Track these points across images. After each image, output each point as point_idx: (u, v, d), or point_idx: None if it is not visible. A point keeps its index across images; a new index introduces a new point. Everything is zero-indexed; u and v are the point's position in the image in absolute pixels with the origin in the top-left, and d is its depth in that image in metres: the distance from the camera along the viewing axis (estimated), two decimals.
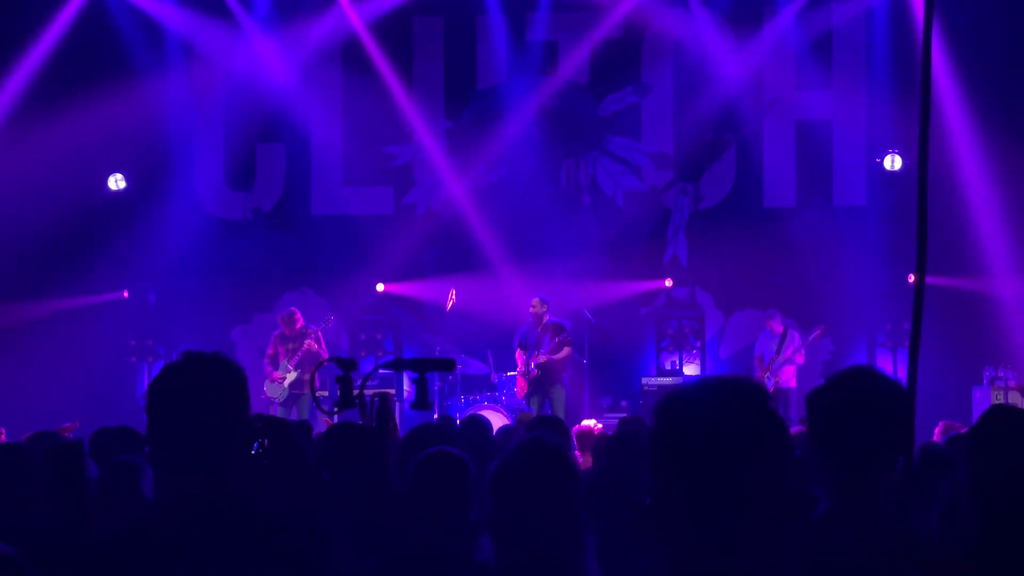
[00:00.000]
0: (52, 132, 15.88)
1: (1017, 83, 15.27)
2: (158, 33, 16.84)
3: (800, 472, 1.93)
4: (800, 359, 14.87)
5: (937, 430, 8.31)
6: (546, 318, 14.39)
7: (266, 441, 3.37)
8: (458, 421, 13.80)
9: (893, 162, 15.75)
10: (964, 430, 7.09)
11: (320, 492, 3.74)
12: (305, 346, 14.45)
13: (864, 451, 3.08)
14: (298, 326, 14.65)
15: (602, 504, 5.38)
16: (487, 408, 14.04)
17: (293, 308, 15.03)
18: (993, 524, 3.23)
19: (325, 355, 14.19)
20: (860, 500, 3.08)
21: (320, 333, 14.68)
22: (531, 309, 14.36)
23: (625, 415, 13.45)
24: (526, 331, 14.47)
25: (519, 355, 14.44)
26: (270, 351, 14.76)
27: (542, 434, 3.58)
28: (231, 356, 3.05)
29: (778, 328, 15.02)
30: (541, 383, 14.23)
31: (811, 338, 14.88)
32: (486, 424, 7.63)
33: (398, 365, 3.36)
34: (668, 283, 16.75)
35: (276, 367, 14.63)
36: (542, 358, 14.19)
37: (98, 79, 16.11)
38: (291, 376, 14.50)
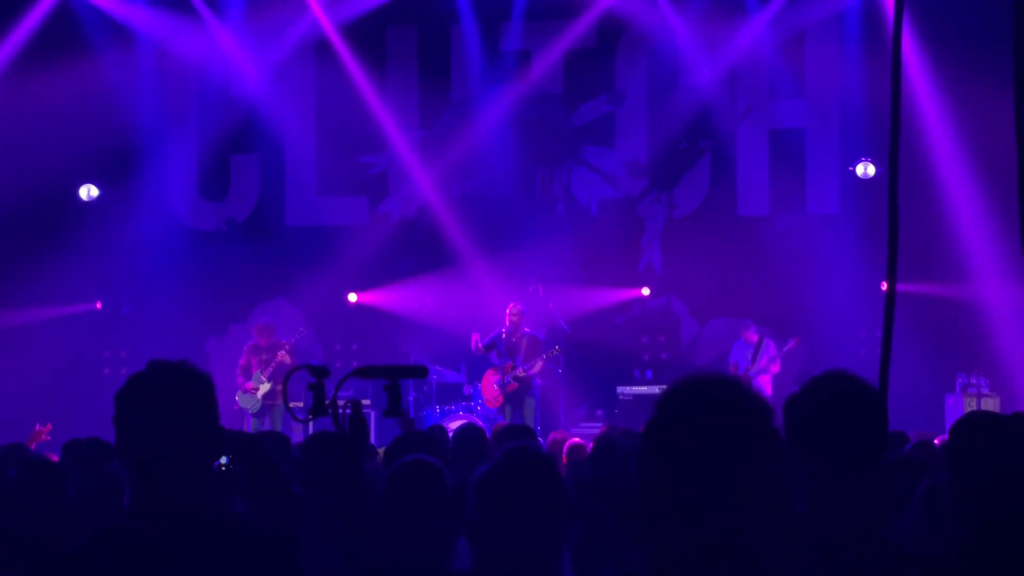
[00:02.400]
0: (21, 140, 15.80)
1: (994, 86, 15.32)
2: (129, 40, 16.78)
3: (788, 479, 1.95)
4: (775, 368, 14.91)
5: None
6: (523, 328, 14.46)
7: (232, 456, 3.36)
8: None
9: (866, 169, 15.80)
10: (937, 440, 7.13)
11: (292, 504, 3.72)
12: (279, 357, 14.46)
13: (840, 456, 3.08)
14: (273, 339, 14.68)
15: (579, 514, 5.37)
16: (462, 418, 14.04)
17: (270, 320, 15.01)
18: (974, 529, 3.24)
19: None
20: (836, 505, 3.09)
21: (292, 345, 14.66)
22: (510, 316, 14.40)
23: (601, 425, 13.50)
24: (497, 338, 14.51)
25: (479, 346, 14.45)
26: (242, 361, 14.76)
27: (528, 443, 3.58)
28: (201, 366, 3.04)
29: (753, 337, 15.05)
30: (516, 394, 14.33)
31: (785, 349, 14.93)
32: (480, 434, 7.60)
33: (369, 372, 3.35)
34: (646, 291, 16.76)
35: (248, 378, 14.63)
36: (520, 372, 14.25)
37: (67, 86, 16.05)
38: (264, 387, 14.51)
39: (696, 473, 1.89)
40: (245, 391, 14.59)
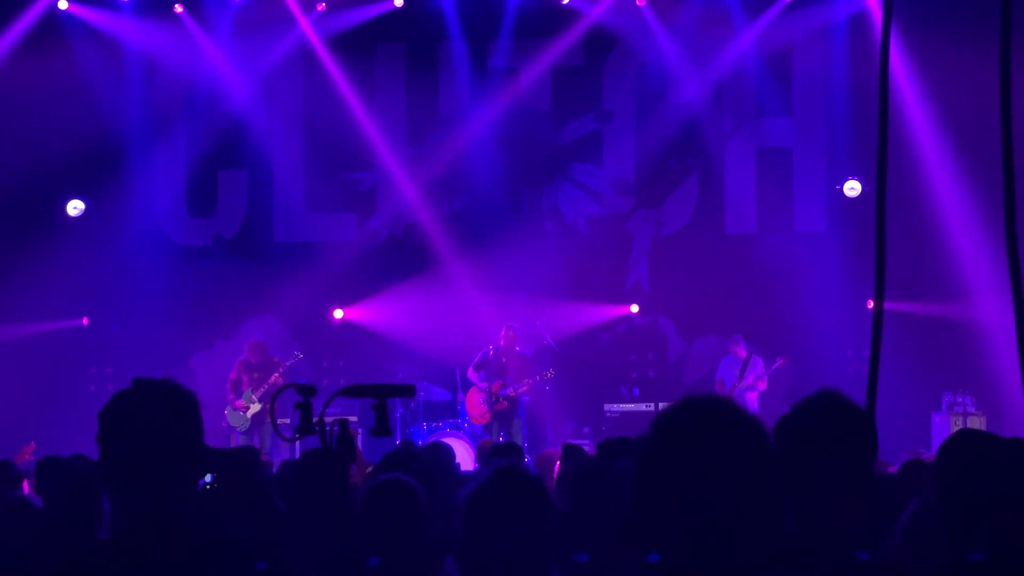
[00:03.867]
0: (6, 153, 15.77)
1: (987, 99, 15.27)
2: (117, 55, 16.76)
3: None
4: (762, 386, 14.91)
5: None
6: (515, 348, 14.50)
7: (217, 475, 3.35)
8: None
9: (853, 188, 15.87)
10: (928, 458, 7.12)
11: (276, 521, 3.70)
12: (272, 379, 14.44)
13: (830, 475, 3.08)
14: (265, 357, 14.64)
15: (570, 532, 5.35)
16: (450, 435, 14.01)
17: (262, 339, 14.97)
18: (959, 548, 3.24)
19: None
20: (825, 522, 3.08)
21: (286, 368, 14.62)
22: (506, 336, 14.46)
23: (588, 442, 13.46)
24: (487, 356, 14.52)
25: (472, 373, 14.51)
26: (233, 376, 14.71)
27: (516, 463, 3.58)
28: (187, 382, 3.03)
29: (742, 353, 15.06)
30: (505, 413, 14.33)
31: (773, 367, 14.93)
32: (449, 451, 7.59)
33: (357, 391, 3.34)
34: (635, 308, 16.76)
35: (238, 394, 14.57)
36: (511, 391, 14.27)
37: (54, 100, 16.04)
38: (255, 407, 14.48)
39: (692, 492, 1.90)
40: (235, 408, 14.54)
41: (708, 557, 1.89)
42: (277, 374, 14.49)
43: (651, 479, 1.95)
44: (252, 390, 14.53)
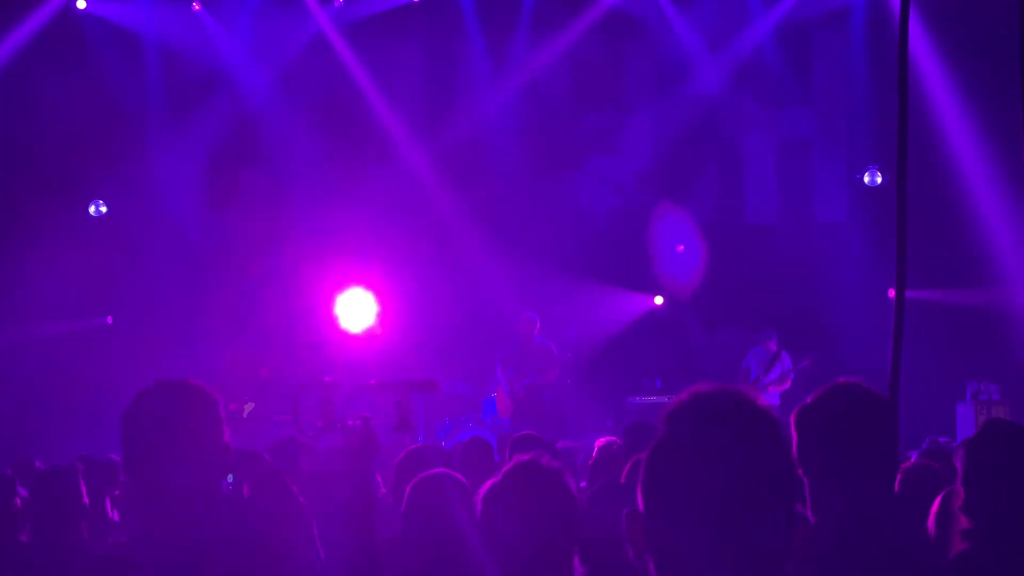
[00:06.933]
0: (26, 151, 15.83)
1: (1012, 84, 15.13)
2: (136, 53, 16.80)
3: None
4: (786, 384, 14.77)
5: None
6: (535, 337, 14.39)
7: (239, 474, 3.35)
8: (443, 443, 13.86)
9: (873, 178, 15.80)
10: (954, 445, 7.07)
11: (302, 519, 3.70)
12: (261, 374, 14.46)
13: (852, 465, 3.06)
14: (250, 356, 14.67)
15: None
16: (471, 430, 13.99)
17: (246, 339, 15.01)
18: (991, 537, 3.22)
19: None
20: (848, 514, 3.06)
21: (272, 363, 14.64)
22: (524, 326, 14.32)
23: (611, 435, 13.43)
24: (508, 349, 14.46)
25: (499, 371, 14.46)
26: (220, 382, 14.69)
27: (538, 455, 3.55)
28: (206, 382, 3.04)
29: (772, 347, 14.94)
30: (528, 403, 14.24)
31: (800, 365, 14.84)
32: (487, 448, 7.56)
33: (380, 387, 3.34)
34: (659, 300, 16.72)
35: (228, 399, 14.58)
36: (529, 383, 14.18)
37: (72, 97, 16.05)
38: (249, 407, 14.50)
39: (705, 487, 1.88)
40: (229, 412, 14.53)
41: (721, 552, 1.88)
42: (265, 368, 14.50)
43: (661, 474, 1.94)
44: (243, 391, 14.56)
